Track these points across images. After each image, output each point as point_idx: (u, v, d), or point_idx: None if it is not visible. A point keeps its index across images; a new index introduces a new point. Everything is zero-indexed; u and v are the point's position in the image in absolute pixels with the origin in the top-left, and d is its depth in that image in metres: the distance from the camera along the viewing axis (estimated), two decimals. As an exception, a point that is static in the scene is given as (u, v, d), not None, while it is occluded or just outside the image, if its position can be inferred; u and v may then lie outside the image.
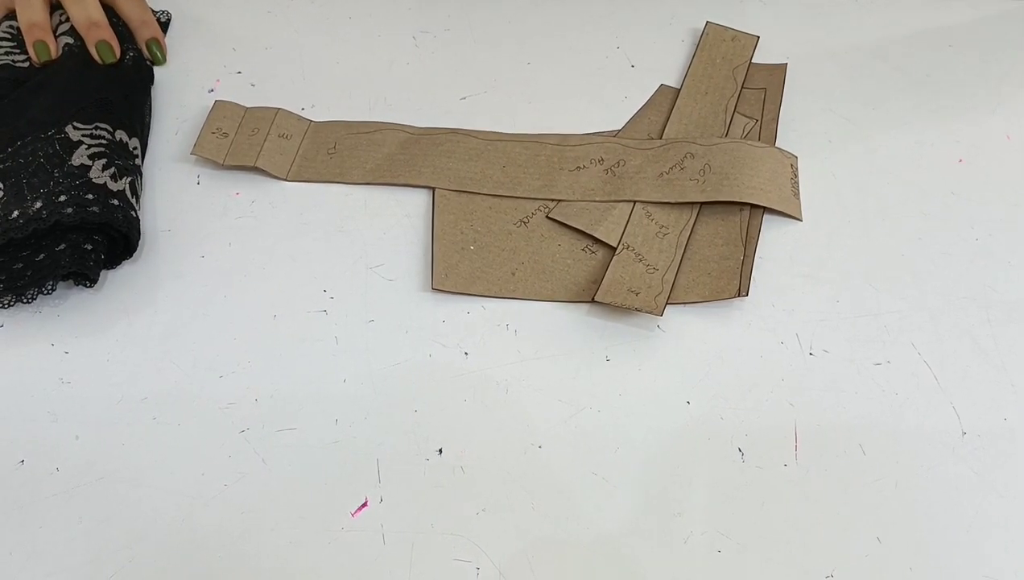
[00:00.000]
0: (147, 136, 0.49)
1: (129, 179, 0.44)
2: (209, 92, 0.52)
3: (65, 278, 0.43)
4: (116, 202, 0.42)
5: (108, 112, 0.46)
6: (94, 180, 0.42)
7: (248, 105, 0.51)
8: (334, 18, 0.56)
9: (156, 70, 0.53)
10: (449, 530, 0.38)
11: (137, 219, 0.44)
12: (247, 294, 0.44)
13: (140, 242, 0.45)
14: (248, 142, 0.49)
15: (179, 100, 0.52)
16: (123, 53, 0.50)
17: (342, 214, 0.47)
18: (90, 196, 0.42)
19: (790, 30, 0.55)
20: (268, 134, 0.50)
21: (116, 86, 0.48)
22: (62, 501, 0.38)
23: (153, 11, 0.54)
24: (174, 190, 0.48)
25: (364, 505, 0.38)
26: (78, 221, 0.41)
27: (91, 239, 0.42)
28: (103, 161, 0.43)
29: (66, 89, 0.46)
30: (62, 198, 0.41)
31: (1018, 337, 0.43)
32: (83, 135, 0.44)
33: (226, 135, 0.49)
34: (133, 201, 0.44)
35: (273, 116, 0.50)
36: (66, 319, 0.43)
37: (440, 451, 0.40)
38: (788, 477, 0.39)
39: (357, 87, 0.53)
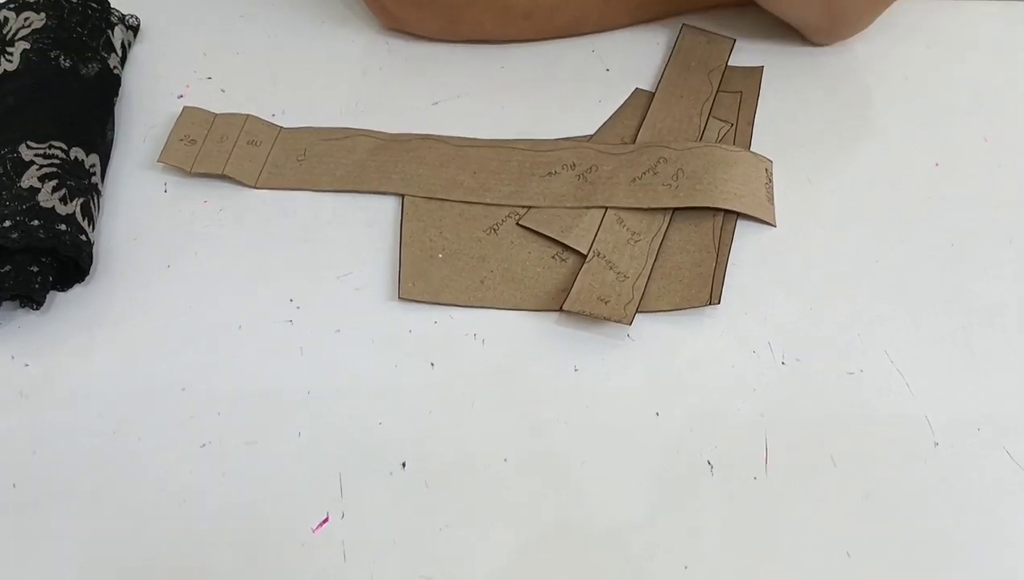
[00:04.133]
0: (109, 151, 0.48)
1: (81, 200, 0.43)
2: (179, 98, 0.52)
3: (12, 299, 0.42)
4: (63, 227, 0.42)
5: (64, 129, 0.45)
6: (42, 204, 0.42)
7: (218, 111, 0.50)
8: (306, 23, 0.56)
9: (125, 76, 0.52)
10: (412, 546, 0.37)
11: (88, 243, 0.43)
12: (213, 304, 0.44)
13: (95, 260, 0.44)
14: (217, 149, 0.48)
15: (148, 106, 0.51)
16: (85, 65, 0.49)
17: (311, 222, 0.47)
18: (35, 222, 0.41)
19: (766, 33, 0.54)
20: (237, 141, 0.49)
21: (75, 101, 0.47)
22: (17, 518, 0.37)
23: (122, 15, 0.53)
24: (141, 198, 0.47)
25: (325, 520, 0.38)
26: (24, 245, 0.41)
27: (38, 261, 0.41)
28: (54, 182, 0.42)
29: (22, 107, 0.45)
30: (7, 223, 0.41)
31: (994, 345, 0.42)
32: (35, 155, 0.43)
33: (194, 142, 0.49)
34: (84, 224, 0.43)
35: (242, 123, 0.50)
36: (27, 331, 0.42)
37: (404, 465, 0.39)
38: (757, 490, 0.38)
39: (329, 93, 0.52)
